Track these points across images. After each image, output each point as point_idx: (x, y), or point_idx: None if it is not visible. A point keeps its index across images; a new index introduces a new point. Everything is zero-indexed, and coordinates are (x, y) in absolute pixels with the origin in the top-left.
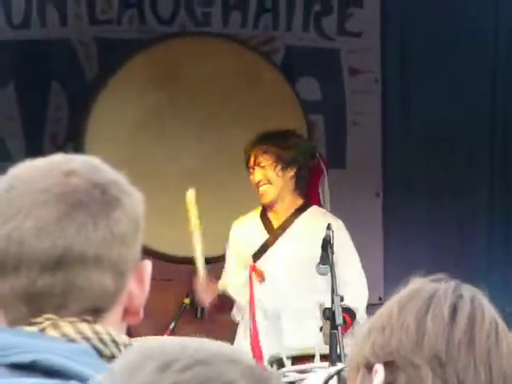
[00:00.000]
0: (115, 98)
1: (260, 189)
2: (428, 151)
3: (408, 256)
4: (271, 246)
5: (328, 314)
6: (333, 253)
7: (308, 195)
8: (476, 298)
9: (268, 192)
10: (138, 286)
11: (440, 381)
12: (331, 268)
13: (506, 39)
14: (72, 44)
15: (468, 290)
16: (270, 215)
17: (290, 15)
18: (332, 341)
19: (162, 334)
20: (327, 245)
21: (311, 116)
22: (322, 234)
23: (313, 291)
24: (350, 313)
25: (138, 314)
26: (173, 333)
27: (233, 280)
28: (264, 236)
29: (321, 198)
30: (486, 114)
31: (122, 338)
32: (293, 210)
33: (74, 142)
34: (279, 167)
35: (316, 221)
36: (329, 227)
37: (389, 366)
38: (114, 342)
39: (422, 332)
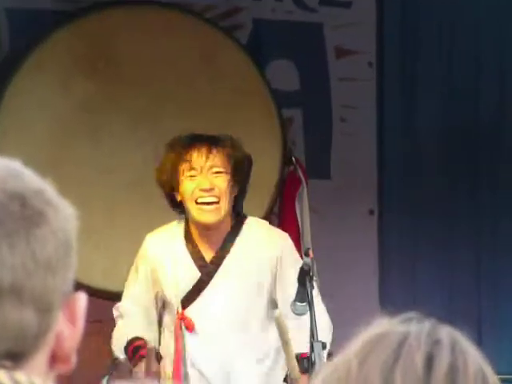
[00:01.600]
0: (31, 87)
1: (206, 204)
2: (437, 155)
3: (411, 291)
4: (205, 287)
5: (306, 365)
6: (312, 287)
7: (281, 210)
8: (457, 344)
9: (218, 209)
10: (70, 325)
11: None
12: (310, 307)
13: None
14: None
15: (447, 334)
16: (199, 242)
17: None
18: None
19: None
20: (305, 277)
21: (286, 111)
22: (267, 253)
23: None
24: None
25: (69, 360)
26: None
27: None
28: (194, 274)
29: (297, 216)
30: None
31: None
32: (226, 231)
33: None
34: (231, 178)
35: (258, 240)
36: (307, 253)
37: None
38: None
39: None
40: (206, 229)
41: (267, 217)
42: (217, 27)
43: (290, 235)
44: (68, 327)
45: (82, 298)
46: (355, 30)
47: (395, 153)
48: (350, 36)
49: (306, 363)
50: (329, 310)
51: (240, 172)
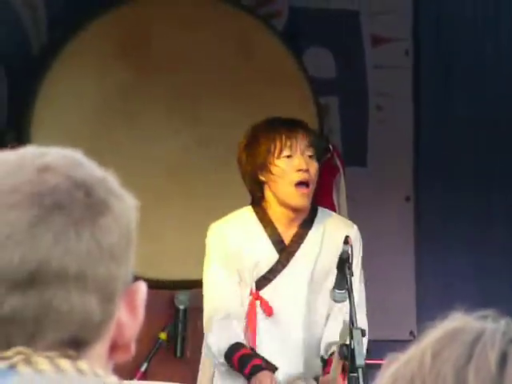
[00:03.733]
0: (68, 75)
1: (302, 184)
2: (474, 144)
3: (447, 279)
4: (282, 269)
5: (345, 352)
6: (352, 274)
7: (319, 198)
8: None
9: (309, 193)
10: (130, 314)
11: None
12: (349, 294)
13: None
14: (13, 6)
15: None
16: (278, 225)
17: None
18: None
19: (132, 378)
20: (344, 264)
21: (323, 98)
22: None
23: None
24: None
25: (129, 348)
26: (145, 376)
27: (235, 307)
28: (273, 254)
29: (335, 203)
30: None
31: (112, 380)
32: (303, 217)
33: (16, 132)
34: (318, 165)
35: (333, 229)
36: (346, 241)
37: None
38: None
39: None
40: (293, 211)
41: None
42: (253, 15)
43: None
44: (128, 315)
45: (141, 288)
46: (391, 17)
47: (431, 140)
48: (387, 24)
49: (345, 350)
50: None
51: (321, 161)
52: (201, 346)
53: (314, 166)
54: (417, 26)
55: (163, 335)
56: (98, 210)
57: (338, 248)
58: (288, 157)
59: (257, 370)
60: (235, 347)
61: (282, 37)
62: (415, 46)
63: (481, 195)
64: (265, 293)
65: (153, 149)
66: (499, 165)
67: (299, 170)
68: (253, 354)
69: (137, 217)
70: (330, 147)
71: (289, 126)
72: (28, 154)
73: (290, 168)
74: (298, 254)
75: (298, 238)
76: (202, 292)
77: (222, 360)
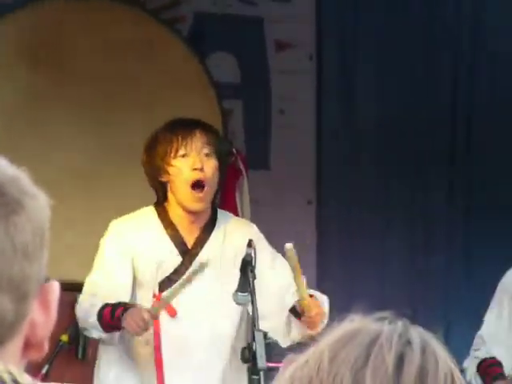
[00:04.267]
0: None
1: (197, 186)
2: (375, 147)
3: (347, 280)
4: (185, 271)
5: (247, 355)
6: (254, 277)
7: (222, 201)
8: (428, 346)
9: (207, 195)
10: (43, 313)
11: None
12: (252, 296)
13: None
14: None
15: (418, 335)
16: (180, 228)
17: None
18: None
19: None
20: (247, 267)
21: (227, 102)
22: (242, 242)
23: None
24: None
25: (42, 347)
26: (46, 378)
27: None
28: (175, 257)
29: (238, 206)
30: (446, 104)
31: (25, 379)
32: (204, 221)
33: None
34: (217, 164)
35: (234, 231)
36: (249, 244)
37: None
38: (16, 383)
39: None
40: (191, 214)
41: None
42: (157, 19)
43: None
44: (41, 315)
45: (54, 287)
46: (295, 23)
47: (334, 144)
48: (290, 29)
49: (247, 353)
50: None
51: (224, 161)
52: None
53: (210, 165)
54: (319, 32)
55: (65, 337)
56: (11, 208)
57: (238, 249)
58: (183, 156)
59: (128, 308)
60: (105, 305)
61: (186, 41)
62: (318, 51)
63: (381, 197)
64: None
65: (57, 153)
66: (398, 167)
67: (194, 169)
68: (123, 303)
69: (50, 216)
70: (234, 151)
71: (186, 126)
72: None
73: (185, 167)
74: (200, 257)
75: (200, 242)
76: None
77: (93, 320)
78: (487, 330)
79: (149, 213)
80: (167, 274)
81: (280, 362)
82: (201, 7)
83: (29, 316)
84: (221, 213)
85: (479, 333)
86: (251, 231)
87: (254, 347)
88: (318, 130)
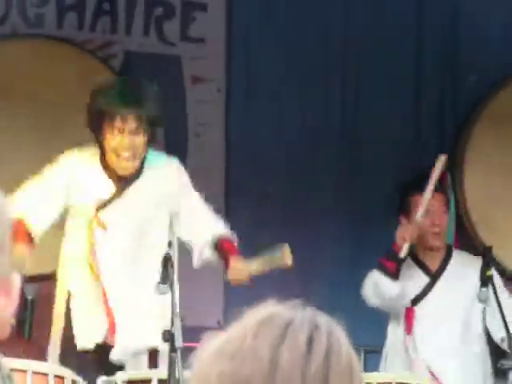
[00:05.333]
0: None
1: (126, 161)
2: (275, 168)
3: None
4: (116, 199)
5: (167, 336)
6: (174, 272)
7: None
8: (333, 332)
9: (133, 166)
10: (5, 300)
11: None
12: (172, 288)
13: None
14: None
15: (325, 321)
16: (114, 163)
17: (130, 18)
18: (171, 365)
19: None
20: (167, 262)
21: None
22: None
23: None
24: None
25: (5, 327)
26: None
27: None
28: (109, 187)
29: None
30: (335, 130)
31: None
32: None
33: None
34: (146, 137)
35: (158, 176)
36: (169, 244)
37: None
38: None
39: (275, 363)
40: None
41: None
42: (95, 56)
43: None
44: (4, 302)
45: (16, 279)
46: (208, 61)
47: (240, 161)
48: (204, 66)
49: (167, 335)
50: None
51: (152, 129)
52: (46, 330)
53: (140, 140)
54: (228, 68)
55: (12, 321)
56: None
57: (164, 192)
58: (116, 133)
59: None
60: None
61: (117, 75)
62: (227, 84)
63: (282, 214)
64: (103, 213)
65: (10, 170)
66: (297, 189)
67: (123, 148)
68: None
69: (10, 221)
70: None
71: (119, 103)
72: None
73: (116, 143)
74: (131, 188)
75: (132, 177)
76: (47, 284)
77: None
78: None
79: (94, 160)
80: (104, 198)
81: (191, 342)
82: (130, 47)
83: None
84: (150, 156)
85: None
86: (172, 169)
87: (172, 330)
88: (227, 150)
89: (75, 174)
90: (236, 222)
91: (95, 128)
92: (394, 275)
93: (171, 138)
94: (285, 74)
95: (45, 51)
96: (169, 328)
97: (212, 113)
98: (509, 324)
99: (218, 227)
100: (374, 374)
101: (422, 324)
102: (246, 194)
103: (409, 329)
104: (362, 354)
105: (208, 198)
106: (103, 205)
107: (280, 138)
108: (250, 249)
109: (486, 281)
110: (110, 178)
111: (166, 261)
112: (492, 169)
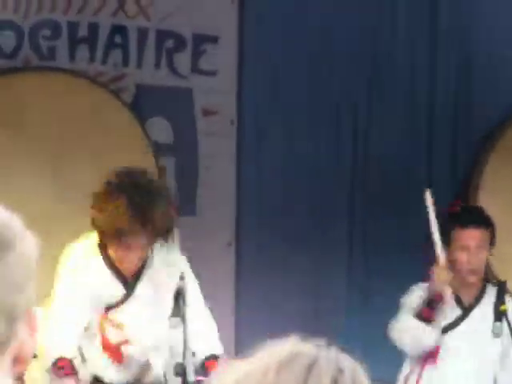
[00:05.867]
0: None
1: (133, 257)
2: (285, 198)
3: (265, 312)
4: (127, 299)
5: (179, 370)
6: (185, 305)
7: None
8: (357, 377)
9: (141, 258)
10: (29, 334)
11: None
12: (184, 321)
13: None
14: None
15: (349, 363)
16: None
17: (141, 51)
18: None
19: None
20: (180, 297)
21: (163, 158)
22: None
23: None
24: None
25: (28, 362)
26: None
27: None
28: (118, 288)
29: None
30: (346, 161)
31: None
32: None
33: None
34: (154, 240)
35: (166, 261)
36: (182, 277)
37: None
38: None
39: None
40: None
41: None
42: (106, 89)
43: None
44: (28, 335)
45: (38, 314)
46: (219, 93)
47: (251, 195)
48: (215, 98)
49: (179, 368)
50: None
51: (161, 234)
52: None
53: (148, 253)
54: (240, 101)
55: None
56: (4, 249)
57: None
58: (126, 248)
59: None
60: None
61: (129, 108)
62: (239, 117)
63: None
64: (113, 314)
65: (24, 199)
66: (307, 221)
67: (131, 263)
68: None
69: (37, 254)
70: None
71: (128, 217)
72: None
73: (125, 257)
74: (140, 286)
75: (138, 273)
76: None
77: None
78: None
79: (93, 247)
80: (112, 301)
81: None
82: (141, 80)
83: (17, 337)
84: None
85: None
86: (183, 266)
87: (184, 364)
88: (237, 184)
89: (86, 276)
90: (246, 255)
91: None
92: (433, 323)
93: (181, 170)
94: (299, 106)
95: (57, 84)
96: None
97: (223, 145)
98: None
99: (211, 345)
100: None
101: (447, 355)
102: (254, 230)
103: (434, 359)
104: None
105: (218, 236)
106: (116, 305)
107: (291, 171)
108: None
109: (499, 315)
110: (115, 275)
111: (178, 294)
112: (504, 204)
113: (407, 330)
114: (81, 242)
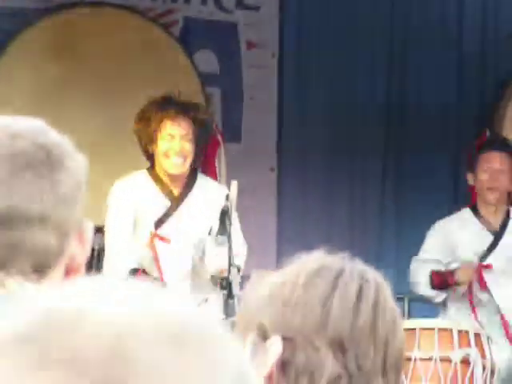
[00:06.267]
0: (14, 65)
1: (175, 160)
2: (324, 128)
3: (303, 231)
4: (173, 213)
5: (224, 284)
6: (230, 224)
7: (205, 165)
8: (380, 285)
9: (184, 165)
10: (80, 246)
11: (339, 365)
12: (229, 239)
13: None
14: None
15: (372, 274)
16: (167, 181)
17: None
18: (229, 310)
19: None
20: (225, 216)
21: (208, 88)
22: (217, 204)
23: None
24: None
25: (80, 270)
26: None
27: (140, 252)
28: (165, 203)
29: (217, 169)
30: (381, 96)
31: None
32: (186, 177)
33: None
34: (192, 140)
35: (210, 190)
36: (227, 198)
37: (288, 341)
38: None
39: (326, 313)
40: (172, 177)
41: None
42: (156, 23)
43: None
44: (79, 248)
45: (89, 226)
46: (262, 28)
47: (291, 125)
48: (258, 32)
49: (224, 283)
50: None
51: (201, 136)
52: None
53: (189, 149)
54: (281, 35)
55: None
56: (55, 167)
57: (212, 202)
58: (171, 137)
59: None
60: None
61: (177, 40)
62: (280, 50)
63: (328, 171)
64: (162, 230)
65: (77, 127)
66: (344, 151)
67: (174, 152)
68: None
69: (86, 171)
70: (214, 127)
71: (169, 110)
72: (1, 123)
73: (168, 148)
74: (184, 203)
75: (184, 191)
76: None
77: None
78: (425, 256)
79: (143, 174)
80: (160, 215)
81: None
82: (189, 14)
83: (69, 248)
84: (200, 175)
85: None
86: (231, 188)
87: (229, 278)
88: (279, 113)
89: (132, 197)
90: (285, 181)
91: (147, 140)
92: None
93: (227, 99)
94: (336, 42)
95: (109, 18)
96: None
97: (266, 77)
98: None
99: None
100: (419, 320)
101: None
102: (295, 158)
103: (483, 285)
104: (406, 302)
105: (260, 155)
106: (161, 221)
107: (329, 105)
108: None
109: None
110: (163, 192)
111: (224, 214)
112: None
113: (418, 288)
114: (127, 178)
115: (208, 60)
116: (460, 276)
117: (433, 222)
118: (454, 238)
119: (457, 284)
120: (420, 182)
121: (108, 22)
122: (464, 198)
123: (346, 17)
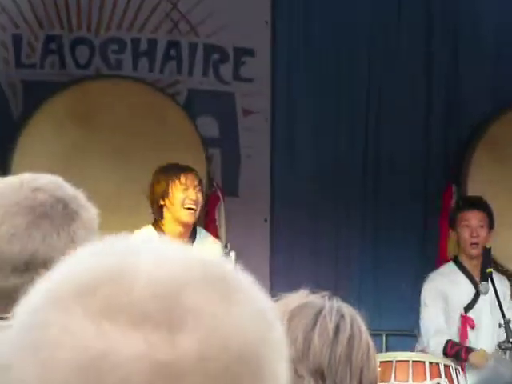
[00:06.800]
0: (38, 132)
1: (190, 209)
2: (311, 183)
3: (292, 271)
4: None
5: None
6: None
7: (206, 220)
8: (355, 320)
9: (195, 214)
10: None
11: None
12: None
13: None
14: (0, 85)
15: (348, 311)
16: (174, 234)
17: (192, 62)
18: None
19: None
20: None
21: (210, 150)
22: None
23: None
24: None
25: None
26: None
27: None
28: None
29: (217, 223)
30: (359, 154)
31: None
32: (188, 233)
33: (2, 171)
34: (201, 192)
35: (207, 245)
36: (225, 245)
37: None
38: None
39: (308, 345)
40: (183, 226)
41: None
42: (164, 93)
43: (212, 234)
44: None
45: None
46: (256, 97)
47: (282, 180)
48: (253, 101)
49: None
50: None
51: (204, 192)
52: None
53: (199, 196)
54: (273, 103)
55: None
56: (71, 218)
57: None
58: (185, 188)
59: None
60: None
61: (182, 108)
62: (272, 116)
63: (314, 219)
64: None
65: (95, 184)
66: (328, 204)
67: (190, 199)
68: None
69: (98, 221)
70: (214, 183)
71: (183, 169)
72: (25, 178)
73: (185, 197)
74: None
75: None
76: None
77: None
78: (431, 325)
79: (149, 230)
80: None
81: None
82: (192, 85)
83: None
84: (199, 230)
85: (423, 329)
86: (219, 249)
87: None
88: (271, 170)
89: None
90: (279, 229)
91: (160, 194)
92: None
93: (226, 160)
94: (322, 109)
95: (123, 89)
96: None
97: (260, 139)
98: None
99: None
100: (395, 353)
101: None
102: (287, 209)
103: (464, 336)
104: (384, 337)
105: (256, 207)
106: None
107: (316, 163)
108: (291, 255)
109: (485, 276)
110: None
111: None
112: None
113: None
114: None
115: (209, 125)
116: (473, 358)
117: (405, 269)
118: (445, 289)
119: (466, 361)
120: (394, 234)
121: (122, 91)
122: (432, 249)
123: (327, 89)
